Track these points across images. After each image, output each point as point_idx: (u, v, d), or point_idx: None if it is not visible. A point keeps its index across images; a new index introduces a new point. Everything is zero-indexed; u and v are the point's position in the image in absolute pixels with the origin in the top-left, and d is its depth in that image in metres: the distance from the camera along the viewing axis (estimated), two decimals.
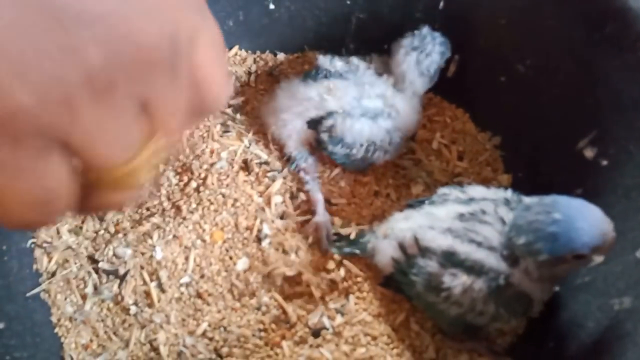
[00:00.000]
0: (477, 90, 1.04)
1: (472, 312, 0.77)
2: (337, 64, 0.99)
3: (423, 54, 0.93)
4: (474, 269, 0.75)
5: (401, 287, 0.84)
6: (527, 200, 0.76)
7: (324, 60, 1.00)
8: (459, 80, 1.07)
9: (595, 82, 0.85)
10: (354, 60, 0.99)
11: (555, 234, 0.69)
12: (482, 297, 0.75)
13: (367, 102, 0.93)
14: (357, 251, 0.90)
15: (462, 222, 0.78)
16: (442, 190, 0.85)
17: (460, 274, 0.76)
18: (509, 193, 0.81)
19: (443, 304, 0.78)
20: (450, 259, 0.77)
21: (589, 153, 0.86)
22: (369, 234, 0.89)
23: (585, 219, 0.67)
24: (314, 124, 0.95)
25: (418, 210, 0.84)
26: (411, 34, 0.95)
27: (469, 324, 0.79)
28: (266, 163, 0.99)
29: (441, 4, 1.03)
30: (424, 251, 0.79)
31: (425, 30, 0.94)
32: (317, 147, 0.97)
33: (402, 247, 0.82)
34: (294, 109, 0.96)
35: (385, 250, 0.85)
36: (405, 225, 0.83)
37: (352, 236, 0.92)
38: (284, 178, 0.99)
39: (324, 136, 0.94)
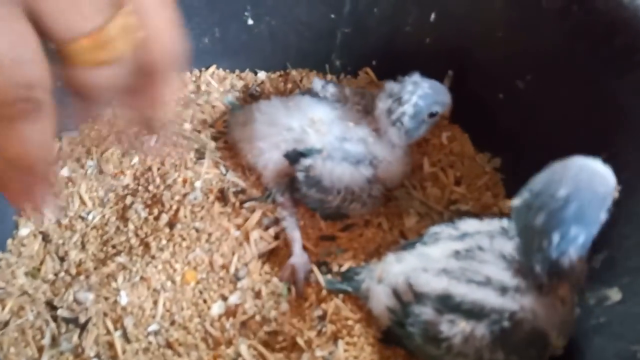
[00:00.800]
0: (474, 109, 0.96)
1: None
2: (330, 90, 0.91)
3: (395, 103, 0.83)
4: (472, 312, 0.67)
5: (402, 342, 0.75)
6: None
7: (317, 83, 0.92)
8: (454, 97, 0.99)
9: (604, 100, 0.77)
10: (347, 91, 0.91)
11: None
12: (487, 345, 0.66)
13: (349, 145, 0.85)
14: (350, 289, 0.81)
15: (458, 261, 0.70)
16: (433, 229, 0.77)
17: (458, 320, 0.67)
18: (504, 222, 0.72)
19: (447, 357, 0.68)
20: (446, 303, 0.68)
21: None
22: (364, 271, 0.81)
23: None
24: (293, 158, 0.86)
25: (410, 252, 0.76)
26: (401, 79, 0.85)
27: None
28: (243, 192, 0.91)
29: (432, 16, 0.95)
30: (419, 297, 0.70)
31: (413, 78, 0.84)
32: (290, 187, 0.89)
33: (396, 293, 0.74)
34: (272, 138, 0.87)
35: (379, 298, 0.76)
36: (398, 269, 0.75)
37: (344, 268, 0.84)
38: (263, 210, 0.90)
39: (300, 175, 0.86)
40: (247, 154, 0.91)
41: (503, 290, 0.66)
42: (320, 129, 0.85)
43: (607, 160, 0.76)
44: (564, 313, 0.67)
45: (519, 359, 0.67)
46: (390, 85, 0.85)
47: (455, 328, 0.67)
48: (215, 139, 0.98)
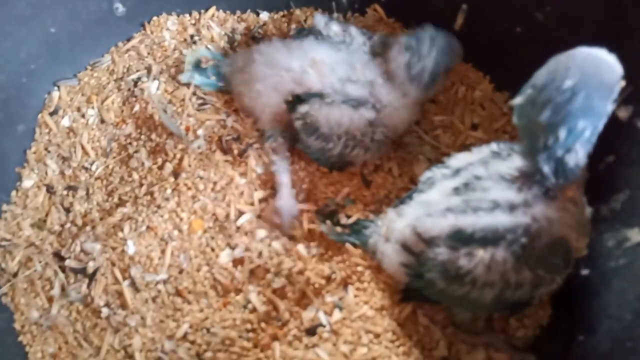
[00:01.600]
0: (490, 45, 0.90)
1: (509, 288, 0.65)
2: (334, 28, 0.86)
3: (415, 57, 0.79)
4: (487, 238, 0.64)
5: (424, 295, 0.73)
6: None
7: (319, 20, 0.87)
8: (469, 33, 0.93)
9: (630, 31, 0.71)
10: (352, 30, 0.85)
11: None
12: (511, 267, 0.64)
13: (351, 88, 0.80)
14: (358, 242, 0.79)
15: (459, 196, 0.67)
16: (426, 174, 0.74)
17: (475, 251, 0.65)
18: (493, 146, 0.70)
19: (474, 292, 0.66)
20: (458, 238, 0.66)
21: (623, 113, 0.73)
22: (372, 225, 0.78)
23: None
24: (292, 105, 0.82)
25: (409, 203, 0.73)
26: (413, 32, 0.81)
27: (513, 303, 0.68)
28: (239, 139, 0.88)
29: None
30: (430, 242, 0.68)
31: (429, 31, 0.80)
32: (291, 136, 0.85)
33: (406, 247, 0.71)
34: (270, 79, 0.83)
35: (390, 257, 0.74)
36: (401, 223, 0.72)
37: (352, 220, 0.81)
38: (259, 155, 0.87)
39: (298, 124, 0.82)
40: (244, 97, 0.87)
41: (512, 207, 0.64)
42: (322, 70, 0.81)
43: (632, 94, 0.72)
44: (577, 213, 0.64)
45: (547, 272, 0.64)
46: (407, 39, 0.80)
47: (474, 259, 0.64)
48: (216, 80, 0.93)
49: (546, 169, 0.59)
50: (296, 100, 0.81)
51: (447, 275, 0.67)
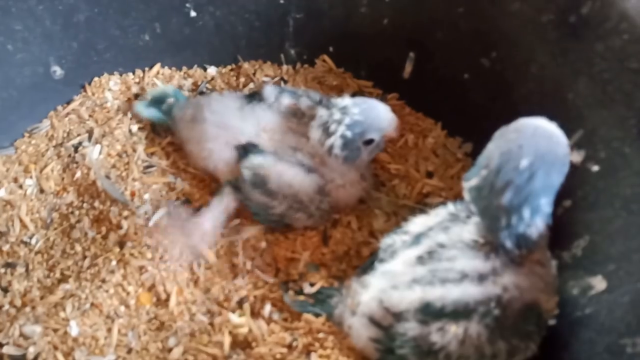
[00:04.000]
0: (440, 91, 0.90)
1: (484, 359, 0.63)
2: (284, 102, 0.83)
3: (324, 135, 0.75)
4: (458, 312, 0.61)
5: None
6: None
7: (270, 92, 0.83)
8: (417, 81, 0.93)
9: (576, 73, 0.71)
10: (303, 102, 0.82)
11: None
12: (486, 340, 0.61)
13: (300, 156, 0.78)
14: (322, 313, 0.75)
15: (424, 266, 0.64)
16: (385, 241, 0.71)
17: (447, 325, 0.61)
18: (450, 207, 0.68)
19: None
20: (428, 312, 0.62)
21: (576, 157, 0.72)
22: (337, 294, 0.75)
23: None
24: (243, 153, 0.79)
25: (372, 274, 0.69)
26: (331, 103, 0.77)
27: None
28: (189, 202, 0.84)
29: None
30: (398, 316, 0.64)
31: (343, 102, 0.75)
32: (234, 189, 0.81)
33: (374, 321, 0.67)
34: (222, 138, 0.80)
35: (358, 332, 0.70)
36: (366, 296, 0.68)
37: (315, 289, 0.77)
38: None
39: (246, 173, 0.78)
40: (196, 156, 0.84)
41: (481, 278, 0.61)
42: (274, 137, 0.79)
43: (584, 137, 0.71)
44: (545, 274, 0.63)
45: (521, 340, 0.62)
46: (320, 112, 0.76)
47: (447, 334, 0.61)
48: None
49: (509, 244, 0.59)
50: (250, 149, 0.78)
51: (419, 351, 0.63)
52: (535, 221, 0.58)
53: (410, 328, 0.63)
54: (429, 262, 0.64)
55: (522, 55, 0.78)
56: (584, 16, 0.68)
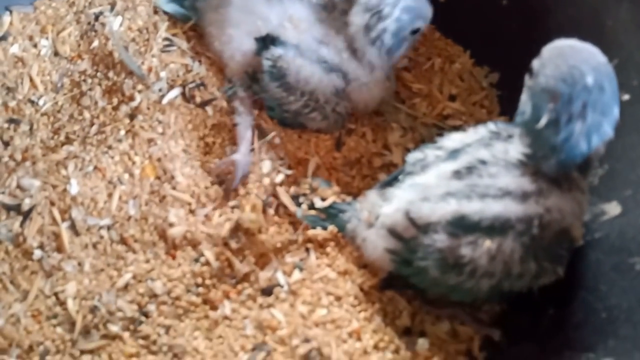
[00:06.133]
0: (474, 18, 0.88)
1: (509, 279, 0.61)
2: None
3: (375, 18, 0.72)
4: (494, 227, 0.59)
5: (409, 282, 0.67)
6: None
7: None
8: (452, 5, 0.90)
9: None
10: None
11: None
12: (518, 258, 0.60)
13: (325, 51, 0.75)
14: (334, 227, 0.73)
15: (461, 180, 0.62)
16: (414, 155, 0.68)
17: (480, 240, 0.60)
18: (491, 126, 0.65)
19: (470, 282, 0.61)
20: (461, 225, 0.60)
21: None
22: (349, 209, 0.73)
23: None
24: (263, 44, 0.76)
25: (397, 186, 0.67)
26: None
27: (508, 292, 0.63)
28: (204, 86, 0.82)
29: None
30: (425, 228, 0.62)
31: None
32: (251, 80, 0.79)
33: (394, 233, 0.65)
34: (245, 26, 0.78)
35: (375, 243, 0.68)
36: (389, 208, 0.66)
37: (327, 203, 0.75)
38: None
39: (266, 64, 0.75)
40: (215, 39, 0.81)
41: (524, 196, 0.59)
42: (299, 26, 0.76)
43: (618, 65, 0.70)
44: (583, 201, 0.61)
45: (551, 263, 0.61)
46: None
47: (479, 249, 0.59)
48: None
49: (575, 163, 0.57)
50: (271, 40, 0.75)
51: (443, 264, 0.62)
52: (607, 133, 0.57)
53: (439, 240, 0.61)
54: (467, 177, 0.62)
55: None
56: None
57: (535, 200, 0.59)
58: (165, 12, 0.88)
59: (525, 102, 0.60)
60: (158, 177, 0.75)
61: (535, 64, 0.59)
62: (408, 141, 0.82)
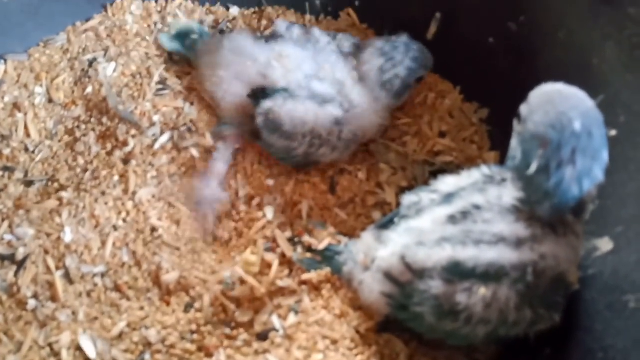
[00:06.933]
0: (463, 55, 0.89)
1: (505, 326, 0.61)
2: (295, 32, 0.83)
3: (389, 63, 0.78)
4: (489, 274, 0.59)
5: (406, 326, 0.67)
6: None
7: (281, 25, 0.83)
8: (441, 43, 0.92)
9: (604, 38, 0.71)
10: (316, 32, 0.82)
11: None
12: (514, 306, 0.59)
13: (317, 85, 0.77)
14: (331, 270, 0.73)
15: (456, 226, 0.62)
16: (409, 198, 0.68)
17: (476, 287, 0.59)
18: (485, 169, 0.65)
19: (466, 328, 0.61)
20: (457, 272, 0.60)
21: None
22: (345, 251, 0.72)
23: None
24: (256, 99, 0.78)
25: (394, 229, 0.67)
26: (387, 38, 0.81)
27: (504, 337, 0.63)
28: (196, 131, 0.83)
29: None
30: (421, 273, 0.62)
31: (403, 39, 0.80)
32: (254, 136, 0.80)
33: (390, 277, 0.65)
34: (234, 67, 0.79)
35: (370, 286, 0.67)
36: (385, 251, 0.66)
37: (323, 245, 0.75)
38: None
39: (260, 120, 0.77)
40: (207, 81, 0.83)
41: (518, 243, 0.59)
42: (288, 65, 0.78)
43: (604, 102, 0.71)
44: (579, 246, 0.61)
45: (547, 310, 0.60)
46: (379, 43, 0.79)
47: (474, 296, 0.59)
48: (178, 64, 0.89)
49: (570, 209, 0.57)
50: (261, 94, 0.77)
51: (439, 310, 0.61)
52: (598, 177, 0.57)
53: (434, 286, 0.60)
54: (462, 222, 0.61)
55: (551, 20, 0.78)
56: None
57: (529, 246, 0.58)
58: (160, 55, 0.90)
59: (515, 148, 0.61)
60: (154, 225, 0.75)
61: (523, 109, 0.60)
62: (400, 179, 0.83)
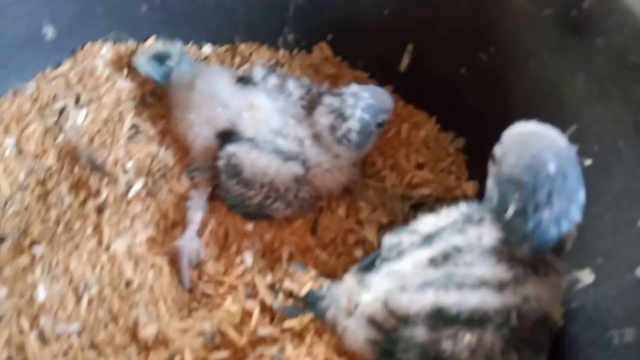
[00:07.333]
0: (436, 85, 0.90)
1: None
2: (271, 81, 0.82)
3: (339, 120, 0.74)
4: (474, 320, 0.58)
5: None
6: None
7: (258, 72, 0.82)
8: (414, 74, 0.92)
9: (574, 70, 0.71)
10: (290, 84, 0.81)
11: None
12: (499, 351, 0.58)
13: (281, 141, 0.76)
14: (314, 315, 0.72)
15: (438, 269, 0.61)
16: (389, 240, 0.67)
17: (461, 333, 0.58)
18: (463, 208, 0.64)
19: None
20: (441, 318, 0.59)
21: None
22: (327, 295, 0.71)
23: None
24: (223, 140, 0.77)
25: (376, 273, 0.66)
26: (337, 91, 0.77)
27: None
28: (169, 173, 0.82)
29: None
30: (405, 320, 0.61)
31: (352, 88, 0.75)
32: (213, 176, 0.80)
33: (374, 323, 0.64)
34: (205, 111, 0.79)
35: (355, 333, 0.66)
36: (368, 297, 0.65)
37: (304, 290, 0.74)
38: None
39: (221, 163, 0.76)
40: (178, 123, 0.82)
41: (501, 286, 0.58)
42: (257, 117, 0.77)
43: (577, 132, 0.71)
44: (561, 284, 0.60)
45: (532, 351, 0.59)
46: (329, 99, 0.75)
47: (460, 343, 0.58)
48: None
49: (550, 250, 0.57)
50: (228, 137, 0.76)
51: (425, 357, 0.60)
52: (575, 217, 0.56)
53: (419, 333, 0.59)
54: (443, 265, 0.61)
55: (522, 52, 0.78)
56: (585, 10, 0.68)
57: (512, 289, 0.57)
58: (133, 99, 0.89)
59: (491, 189, 0.60)
60: (129, 277, 0.74)
61: (497, 151, 0.59)
62: (380, 216, 0.82)
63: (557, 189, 0.55)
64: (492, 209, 0.60)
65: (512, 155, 0.57)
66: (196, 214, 0.77)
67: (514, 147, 0.58)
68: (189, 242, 0.75)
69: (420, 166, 0.87)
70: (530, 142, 0.57)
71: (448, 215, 0.65)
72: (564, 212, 0.55)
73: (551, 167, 0.55)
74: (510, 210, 0.57)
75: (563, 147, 0.57)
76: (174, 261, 0.75)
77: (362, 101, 0.74)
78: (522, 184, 0.55)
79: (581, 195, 0.56)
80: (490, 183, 0.61)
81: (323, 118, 0.75)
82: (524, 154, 0.56)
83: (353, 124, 0.74)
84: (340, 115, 0.74)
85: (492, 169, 0.60)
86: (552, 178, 0.55)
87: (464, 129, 0.89)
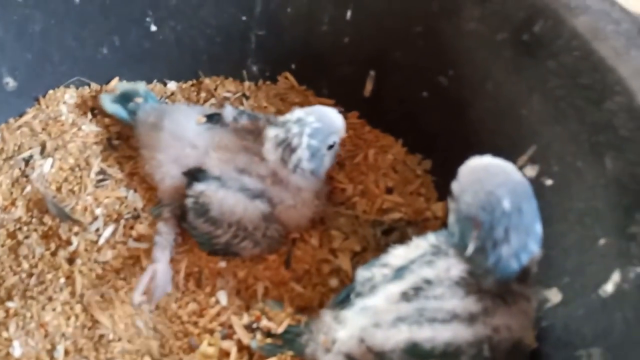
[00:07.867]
0: (400, 109, 0.91)
1: None
2: (241, 122, 0.82)
3: (287, 151, 0.73)
4: (448, 354, 0.59)
5: None
6: None
7: (228, 113, 0.82)
8: (378, 99, 0.93)
9: (530, 90, 0.73)
10: (262, 123, 0.81)
11: None
12: None
13: (247, 180, 0.76)
14: (293, 353, 0.71)
15: (410, 303, 0.61)
16: (361, 274, 0.67)
17: None
18: (431, 238, 0.65)
19: None
20: (415, 353, 0.59)
21: (530, 172, 0.73)
22: (305, 331, 0.71)
23: None
24: (190, 178, 0.77)
25: (350, 308, 0.66)
26: (282, 120, 0.74)
27: None
28: (139, 216, 0.82)
29: (348, 13, 0.89)
30: (381, 356, 0.61)
31: (296, 113, 0.73)
32: (180, 214, 0.79)
33: (352, 359, 0.64)
34: (173, 151, 0.79)
35: None
36: (344, 333, 0.65)
37: (282, 329, 0.74)
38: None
39: (189, 202, 0.76)
40: (146, 163, 0.82)
41: (471, 319, 0.59)
42: (223, 156, 0.77)
43: (537, 152, 0.73)
44: (530, 309, 0.61)
45: None
46: (274, 131, 0.73)
47: None
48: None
49: (515, 280, 0.58)
50: (195, 175, 0.76)
51: None
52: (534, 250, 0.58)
53: None
54: (414, 299, 0.61)
55: (479, 73, 0.79)
56: (536, 34, 0.69)
57: (482, 321, 0.58)
58: (99, 143, 0.89)
59: (452, 224, 0.61)
60: (104, 325, 0.74)
61: (455, 188, 0.60)
62: (352, 244, 0.82)
63: (513, 225, 0.56)
64: (454, 244, 0.61)
65: (468, 192, 0.58)
66: (164, 252, 0.76)
67: (470, 184, 0.59)
68: (159, 282, 0.74)
69: (389, 190, 0.88)
70: (485, 179, 0.58)
71: (417, 246, 0.66)
72: (522, 247, 0.56)
73: (506, 204, 0.56)
74: (470, 248, 0.58)
75: (517, 181, 0.58)
76: (146, 302, 0.74)
77: (308, 127, 0.71)
78: (480, 222, 0.56)
79: (538, 229, 0.57)
80: (451, 219, 0.62)
81: (271, 154, 0.74)
82: (479, 191, 0.57)
83: (302, 152, 0.72)
84: (288, 146, 0.72)
85: (451, 205, 0.61)
86: (508, 214, 0.56)
87: (430, 151, 0.90)
